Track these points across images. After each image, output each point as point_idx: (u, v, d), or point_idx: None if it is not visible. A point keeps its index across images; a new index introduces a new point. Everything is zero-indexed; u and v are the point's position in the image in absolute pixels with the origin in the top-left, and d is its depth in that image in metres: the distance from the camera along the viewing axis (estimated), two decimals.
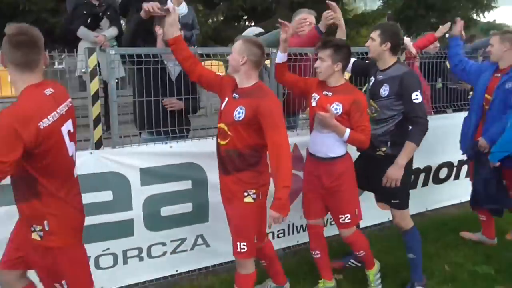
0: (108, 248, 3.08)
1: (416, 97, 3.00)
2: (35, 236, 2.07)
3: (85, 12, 5.02)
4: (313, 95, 3.06)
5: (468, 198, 4.08)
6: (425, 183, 4.64)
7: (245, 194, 2.64)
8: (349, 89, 3.03)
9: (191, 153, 3.27)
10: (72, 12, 5.07)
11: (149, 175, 3.13)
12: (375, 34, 3.16)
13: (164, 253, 3.29)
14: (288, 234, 3.84)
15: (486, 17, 16.69)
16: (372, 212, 3.90)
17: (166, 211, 3.22)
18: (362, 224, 3.77)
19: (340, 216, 3.08)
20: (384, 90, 3.12)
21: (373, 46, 3.17)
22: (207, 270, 3.49)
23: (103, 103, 3.13)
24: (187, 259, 3.38)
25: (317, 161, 3.08)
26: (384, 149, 3.14)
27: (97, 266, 3.07)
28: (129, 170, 3.07)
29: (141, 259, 3.21)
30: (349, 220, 3.07)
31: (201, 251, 3.42)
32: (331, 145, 3.00)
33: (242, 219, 2.68)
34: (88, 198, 2.89)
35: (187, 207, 3.29)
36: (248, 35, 3.94)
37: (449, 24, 4.05)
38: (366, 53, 3.38)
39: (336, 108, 2.93)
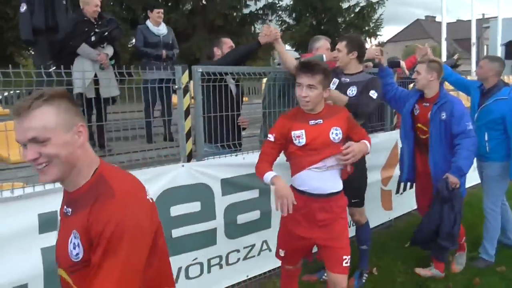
0: (196, 258, 3.18)
1: (374, 94, 3.21)
2: None
3: (86, 29, 4.93)
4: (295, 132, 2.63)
5: None
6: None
7: None
8: (333, 109, 2.74)
9: None
10: (72, 28, 4.93)
11: (228, 185, 3.31)
12: (342, 45, 3.37)
13: (238, 259, 3.46)
14: None
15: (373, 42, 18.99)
16: None
17: (241, 219, 3.41)
18: None
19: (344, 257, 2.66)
20: (352, 91, 3.30)
21: (340, 56, 3.39)
22: (270, 273, 3.72)
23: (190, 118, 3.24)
24: (256, 263, 3.58)
25: (308, 198, 2.64)
26: None
27: (187, 276, 3.15)
28: (213, 181, 3.22)
29: (221, 266, 3.35)
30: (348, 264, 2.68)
31: (266, 255, 3.64)
32: (334, 179, 2.68)
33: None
34: (180, 209, 3.03)
35: (256, 214, 3.52)
36: None
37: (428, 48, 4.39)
38: None
39: (337, 133, 2.63)
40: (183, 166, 3.07)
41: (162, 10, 5.79)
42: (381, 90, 3.35)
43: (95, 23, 4.99)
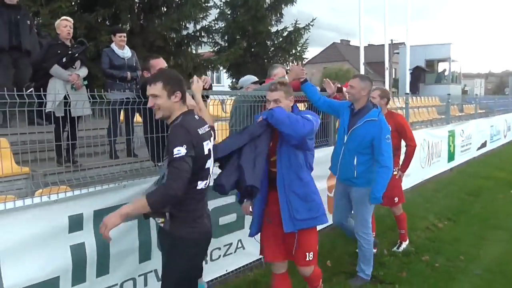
0: None
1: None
2: None
3: (59, 51, 5.24)
4: None
5: None
6: None
7: None
8: None
9: None
10: (46, 50, 5.21)
11: (211, 191, 3.85)
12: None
13: (219, 256, 4.01)
14: None
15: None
16: None
17: (222, 221, 3.97)
18: None
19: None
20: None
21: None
22: (244, 267, 4.31)
23: None
24: (233, 260, 4.14)
25: None
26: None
27: None
28: None
29: (206, 262, 3.86)
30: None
31: (240, 252, 4.22)
32: None
33: None
34: None
35: (233, 217, 4.09)
36: (246, 82, 4.99)
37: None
38: None
39: None
40: None
41: (124, 34, 6.20)
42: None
43: (69, 45, 5.31)
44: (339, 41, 54.43)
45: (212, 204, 3.83)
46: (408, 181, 7.80)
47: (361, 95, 4.09)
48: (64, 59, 5.23)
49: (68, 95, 5.19)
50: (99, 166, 4.52)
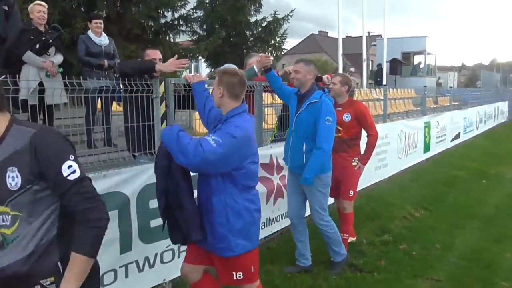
0: (169, 245, 3.63)
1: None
2: None
3: (32, 37, 5.07)
4: None
5: None
6: None
7: None
8: None
9: None
10: (18, 36, 5.04)
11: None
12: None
13: None
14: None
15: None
16: None
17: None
18: None
19: None
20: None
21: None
22: None
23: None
24: None
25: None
26: None
27: (161, 261, 3.61)
28: None
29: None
30: None
31: None
32: None
33: None
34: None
35: None
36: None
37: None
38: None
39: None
40: None
41: (101, 21, 6.05)
42: None
43: (43, 31, 5.15)
44: (317, 33, 54.63)
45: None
46: (386, 171, 7.94)
47: (306, 79, 4.00)
48: (37, 46, 5.08)
49: (43, 82, 5.05)
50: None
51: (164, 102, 3.55)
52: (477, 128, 15.56)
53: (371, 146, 4.77)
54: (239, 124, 2.65)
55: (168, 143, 2.53)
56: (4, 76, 4.82)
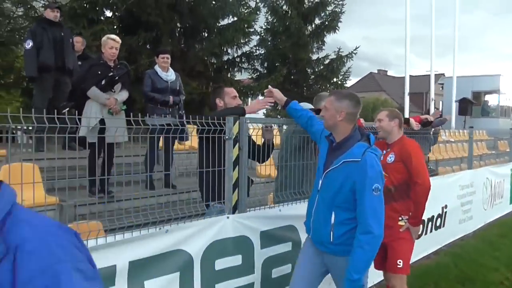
0: None
1: None
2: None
3: (99, 72, 4.86)
4: None
5: None
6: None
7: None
8: None
9: (292, 216, 3.51)
10: (86, 70, 4.85)
11: (266, 238, 3.27)
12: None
13: None
14: None
15: None
16: None
17: (276, 272, 3.36)
18: None
19: None
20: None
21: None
22: None
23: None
24: None
25: None
26: None
27: None
28: (253, 233, 3.18)
29: None
30: None
31: None
32: None
33: None
34: (224, 263, 2.97)
35: (288, 268, 3.47)
36: None
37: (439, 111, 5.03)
38: None
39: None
40: (228, 217, 3.02)
41: (168, 55, 5.81)
42: None
43: (112, 67, 4.93)
44: (375, 71, 53.71)
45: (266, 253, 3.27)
46: (471, 224, 7.02)
47: (336, 120, 2.74)
48: (103, 81, 4.84)
49: (104, 119, 4.78)
50: (134, 197, 4.07)
51: (237, 144, 3.07)
52: None
53: (417, 200, 3.49)
54: None
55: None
56: (66, 110, 4.61)
